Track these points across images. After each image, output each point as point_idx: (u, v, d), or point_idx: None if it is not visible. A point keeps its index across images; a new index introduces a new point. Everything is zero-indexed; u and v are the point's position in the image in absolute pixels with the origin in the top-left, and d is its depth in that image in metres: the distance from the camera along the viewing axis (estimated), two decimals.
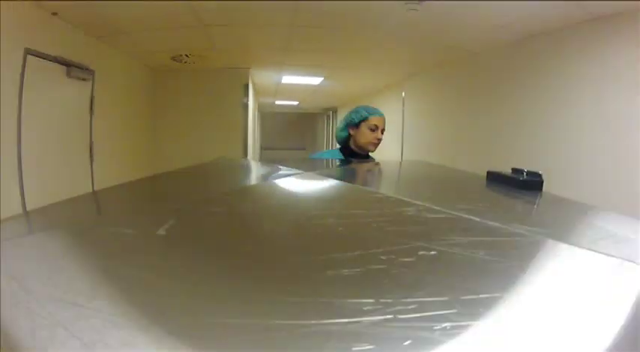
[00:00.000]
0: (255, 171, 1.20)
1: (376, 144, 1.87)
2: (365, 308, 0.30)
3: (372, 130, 1.83)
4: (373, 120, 1.83)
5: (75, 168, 3.08)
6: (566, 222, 0.61)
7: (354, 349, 0.25)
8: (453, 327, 0.27)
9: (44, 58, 2.61)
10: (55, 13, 2.61)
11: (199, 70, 4.81)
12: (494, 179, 0.90)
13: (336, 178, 0.93)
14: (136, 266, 0.38)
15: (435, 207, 0.60)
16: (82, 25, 2.96)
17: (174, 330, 0.27)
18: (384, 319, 0.28)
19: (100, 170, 3.36)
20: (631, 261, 0.41)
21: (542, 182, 0.80)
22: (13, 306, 0.30)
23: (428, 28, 3.07)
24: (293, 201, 0.76)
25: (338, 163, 1.52)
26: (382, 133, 1.86)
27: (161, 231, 0.47)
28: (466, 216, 0.55)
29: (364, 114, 1.85)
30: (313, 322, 0.28)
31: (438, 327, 0.27)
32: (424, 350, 0.25)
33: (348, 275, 0.37)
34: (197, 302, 0.31)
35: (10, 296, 0.31)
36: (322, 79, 5.59)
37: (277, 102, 8.78)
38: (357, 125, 1.85)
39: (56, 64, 2.78)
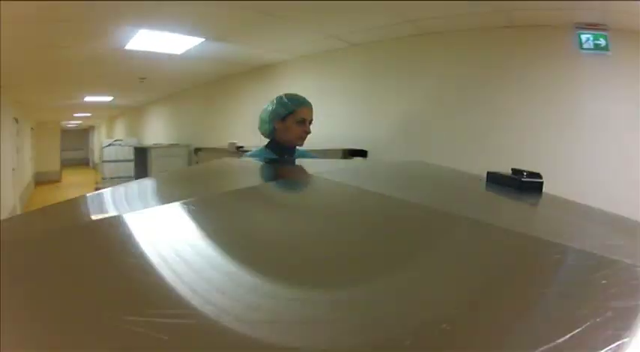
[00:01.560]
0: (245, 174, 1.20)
1: (305, 139, 1.65)
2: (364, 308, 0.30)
3: (300, 123, 1.60)
4: (301, 113, 1.60)
5: None
6: (566, 223, 0.61)
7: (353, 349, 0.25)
8: (453, 328, 0.27)
9: None
10: None
11: None
12: (494, 180, 0.90)
13: (335, 178, 0.93)
14: (137, 266, 0.38)
15: (435, 208, 0.60)
16: None
17: (175, 330, 0.27)
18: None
19: None
20: (631, 262, 0.41)
21: (542, 183, 0.80)
22: (13, 306, 0.30)
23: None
24: (287, 201, 0.76)
25: (338, 161, 1.51)
26: (310, 124, 1.64)
27: (162, 231, 0.48)
28: (466, 217, 0.55)
29: (290, 107, 1.61)
30: (313, 322, 0.28)
31: (439, 328, 0.27)
32: (425, 351, 0.25)
33: (346, 274, 0.37)
34: (198, 302, 0.31)
35: (10, 296, 0.31)
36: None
37: None
38: (283, 119, 1.61)
39: None
